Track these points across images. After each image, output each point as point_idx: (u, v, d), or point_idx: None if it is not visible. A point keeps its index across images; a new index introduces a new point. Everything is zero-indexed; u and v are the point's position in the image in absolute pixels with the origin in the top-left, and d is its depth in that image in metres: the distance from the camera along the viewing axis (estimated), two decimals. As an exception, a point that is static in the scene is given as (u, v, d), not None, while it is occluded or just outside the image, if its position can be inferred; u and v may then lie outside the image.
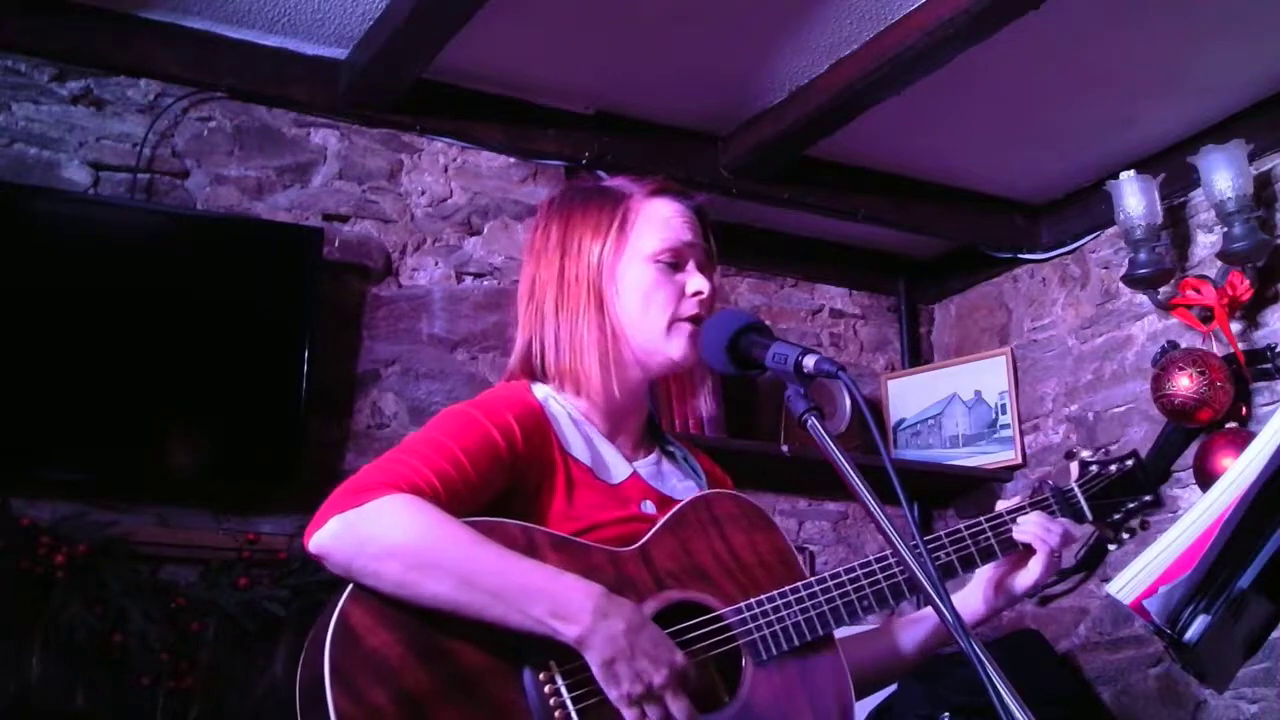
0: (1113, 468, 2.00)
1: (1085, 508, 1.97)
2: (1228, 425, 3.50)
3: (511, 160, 3.64)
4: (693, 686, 1.66)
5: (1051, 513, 1.94)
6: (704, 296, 1.88)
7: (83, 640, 2.76)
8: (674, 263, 1.89)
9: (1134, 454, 2.03)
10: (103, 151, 3.18)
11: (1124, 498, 2.00)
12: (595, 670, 1.61)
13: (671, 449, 2.00)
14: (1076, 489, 1.98)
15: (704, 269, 1.91)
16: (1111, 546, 2.01)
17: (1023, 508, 1.94)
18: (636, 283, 1.87)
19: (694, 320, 1.87)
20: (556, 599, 1.62)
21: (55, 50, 3.14)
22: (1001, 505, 1.96)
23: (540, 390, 1.87)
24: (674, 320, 1.86)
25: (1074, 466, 2.03)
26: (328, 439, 3.26)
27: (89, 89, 3.19)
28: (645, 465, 1.91)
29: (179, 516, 3.05)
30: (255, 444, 3.13)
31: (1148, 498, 2.00)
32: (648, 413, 1.97)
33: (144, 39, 3.21)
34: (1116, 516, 2.00)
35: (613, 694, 1.61)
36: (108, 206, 3.13)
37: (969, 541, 1.90)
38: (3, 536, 2.75)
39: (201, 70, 3.27)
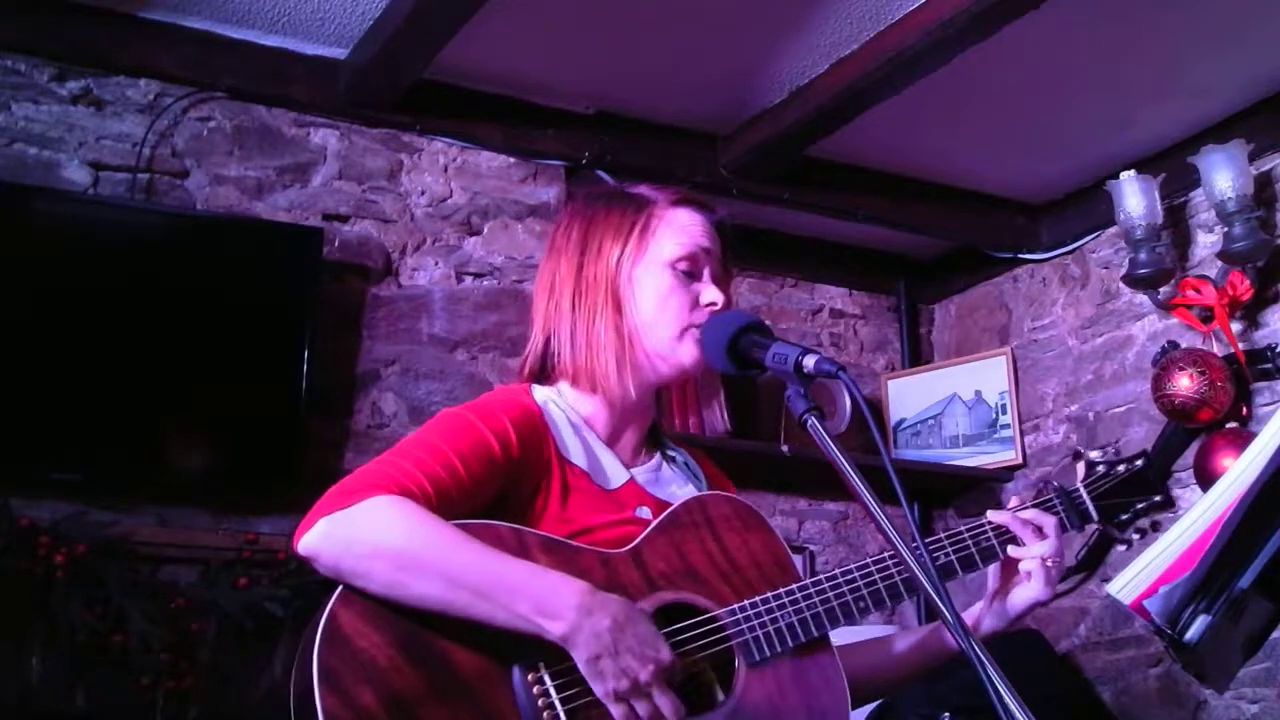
0: (1121, 468, 1.98)
1: (1091, 508, 1.95)
2: (1228, 425, 3.50)
3: (511, 160, 3.64)
4: (686, 686, 1.65)
5: (1055, 513, 1.90)
6: (717, 307, 1.88)
7: (83, 640, 2.76)
8: (690, 271, 1.90)
9: (1144, 453, 2.01)
10: (102, 151, 3.18)
11: (1133, 498, 1.97)
12: (581, 666, 1.61)
13: (673, 454, 1.99)
14: (1082, 489, 1.95)
15: (719, 280, 1.92)
16: (1120, 547, 1.98)
17: (1025, 509, 1.91)
18: (653, 288, 1.88)
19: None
20: (541, 595, 1.62)
21: (55, 50, 3.14)
22: (1003, 510, 1.90)
23: (541, 393, 1.87)
24: (685, 328, 1.86)
25: (1080, 467, 1.99)
26: (328, 439, 3.25)
27: (89, 89, 3.19)
28: (644, 471, 1.91)
29: (179, 516, 3.05)
30: (255, 444, 3.13)
31: (1157, 498, 1.97)
32: (651, 418, 1.97)
33: (144, 39, 3.21)
34: (1124, 516, 1.97)
35: (599, 690, 1.61)
36: (108, 206, 3.13)
37: (970, 541, 1.88)
38: (3, 536, 2.75)
39: (201, 70, 3.27)
